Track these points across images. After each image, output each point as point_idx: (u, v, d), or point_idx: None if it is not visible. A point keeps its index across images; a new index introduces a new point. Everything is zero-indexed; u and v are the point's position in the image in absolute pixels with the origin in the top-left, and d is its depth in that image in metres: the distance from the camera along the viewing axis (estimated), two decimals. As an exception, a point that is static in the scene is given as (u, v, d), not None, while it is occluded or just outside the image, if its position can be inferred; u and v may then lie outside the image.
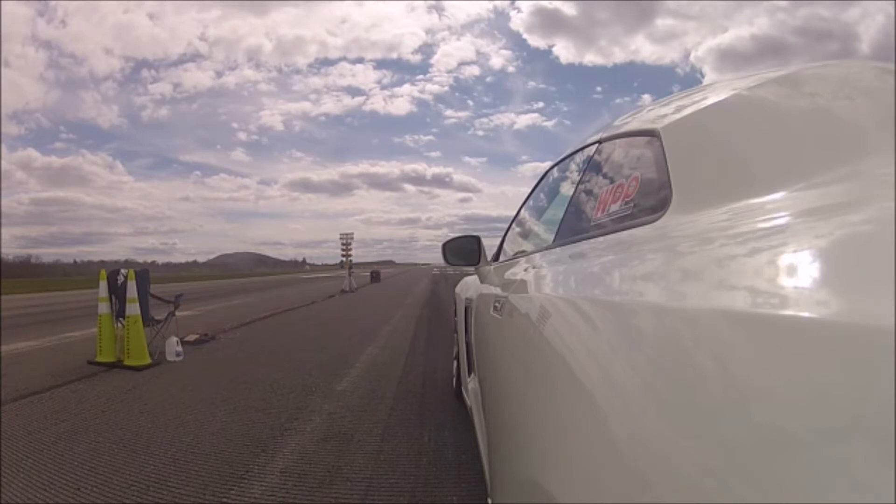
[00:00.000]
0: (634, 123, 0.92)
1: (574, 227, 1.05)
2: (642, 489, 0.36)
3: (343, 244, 21.81)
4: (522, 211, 1.85)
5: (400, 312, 7.90)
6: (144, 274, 4.09)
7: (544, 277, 0.97)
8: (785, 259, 0.36)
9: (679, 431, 0.34)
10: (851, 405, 0.24)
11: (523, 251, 1.50)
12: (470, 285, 2.19)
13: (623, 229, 0.74)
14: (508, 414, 0.80)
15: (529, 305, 0.86)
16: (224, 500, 1.65)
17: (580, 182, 1.13)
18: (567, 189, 1.26)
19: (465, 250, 1.88)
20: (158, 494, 1.68)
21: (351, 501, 1.65)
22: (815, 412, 0.26)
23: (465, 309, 2.09)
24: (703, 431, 0.32)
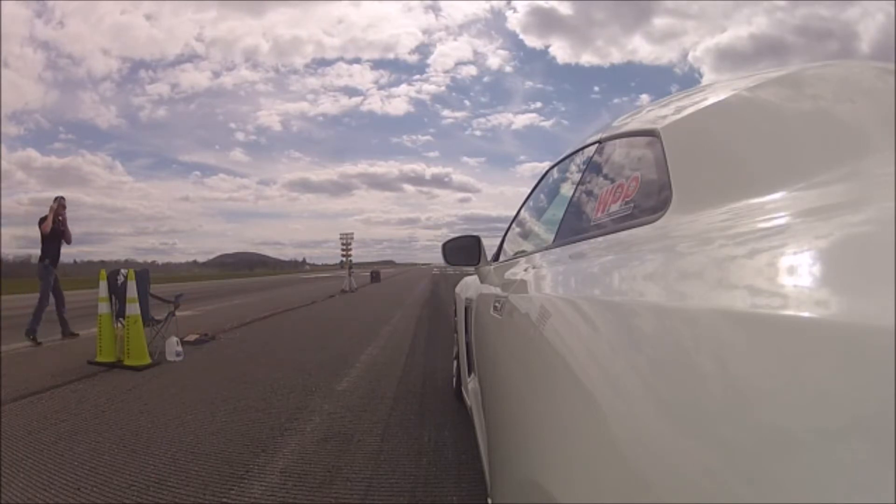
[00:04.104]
0: (634, 124, 0.92)
1: (574, 227, 1.05)
2: (642, 489, 0.36)
3: (343, 244, 21.83)
4: (522, 211, 1.85)
5: (400, 312, 7.90)
6: (144, 274, 4.09)
7: (544, 277, 0.97)
8: (785, 259, 0.36)
9: (679, 431, 0.34)
10: (851, 405, 0.24)
11: (523, 251, 1.50)
12: (470, 285, 2.19)
13: (623, 229, 0.74)
14: (508, 414, 0.80)
15: (529, 305, 0.86)
16: (224, 500, 1.65)
17: (580, 182, 1.13)
18: (567, 189, 1.26)
19: (465, 250, 1.88)
20: (158, 494, 1.68)
21: (351, 501, 1.65)
22: (816, 412, 0.26)
23: (465, 309, 2.09)
24: (704, 431, 0.32)
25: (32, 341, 4.71)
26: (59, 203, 5.05)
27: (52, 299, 4.99)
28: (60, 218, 5.05)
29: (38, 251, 5.00)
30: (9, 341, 4.80)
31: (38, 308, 4.86)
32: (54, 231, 4.97)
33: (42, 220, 4.96)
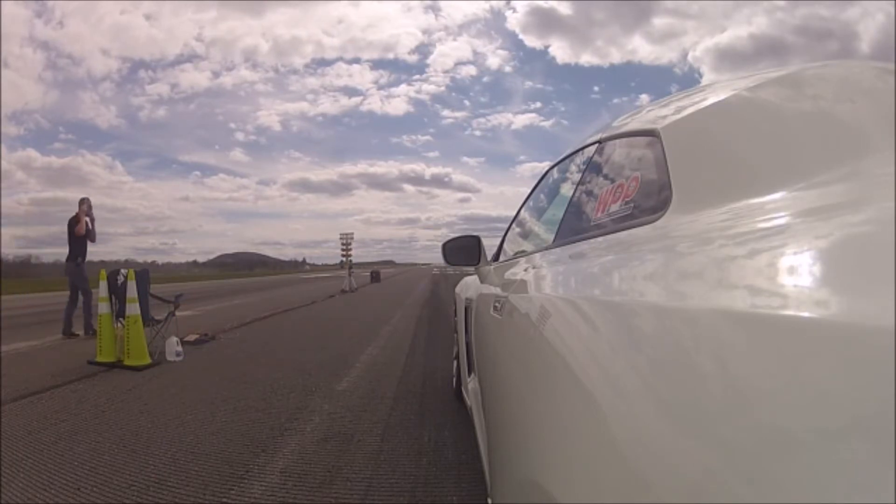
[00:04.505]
0: (634, 124, 0.92)
1: (574, 227, 1.05)
2: (642, 489, 0.36)
3: (343, 244, 21.83)
4: (522, 211, 1.85)
5: (400, 312, 7.90)
6: (144, 274, 4.09)
7: (544, 277, 0.97)
8: (785, 259, 0.36)
9: (679, 431, 0.34)
10: (851, 405, 0.24)
11: (523, 251, 1.50)
12: (470, 285, 2.19)
13: (623, 229, 0.74)
14: (508, 414, 0.80)
15: (529, 305, 0.86)
16: (224, 500, 1.65)
17: (580, 182, 1.13)
18: (567, 189, 1.26)
19: (465, 250, 1.88)
20: (158, 494, 1.68)
21: (351, 501, 1.65)
22: (816, 412, 0.26)
23: (465, 309, 2.09)
24: (703, 431, 0.32)
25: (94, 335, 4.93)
26: (88, 204, 5.34)
27: (65, 297, 5.22)
28: (89, 218, 5.32)
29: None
30: (9, 341, 4.80)
31: (86, 304, 5.15)
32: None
33: (73, 222, 5.19)
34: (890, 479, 0.21)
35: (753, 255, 0.39)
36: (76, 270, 5.21)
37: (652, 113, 0.88)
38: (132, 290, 3.87)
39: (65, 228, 5.24)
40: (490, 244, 1.95)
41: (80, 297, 5.19)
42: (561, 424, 0.53)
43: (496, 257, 1.93)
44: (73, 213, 5.25)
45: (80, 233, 5.15)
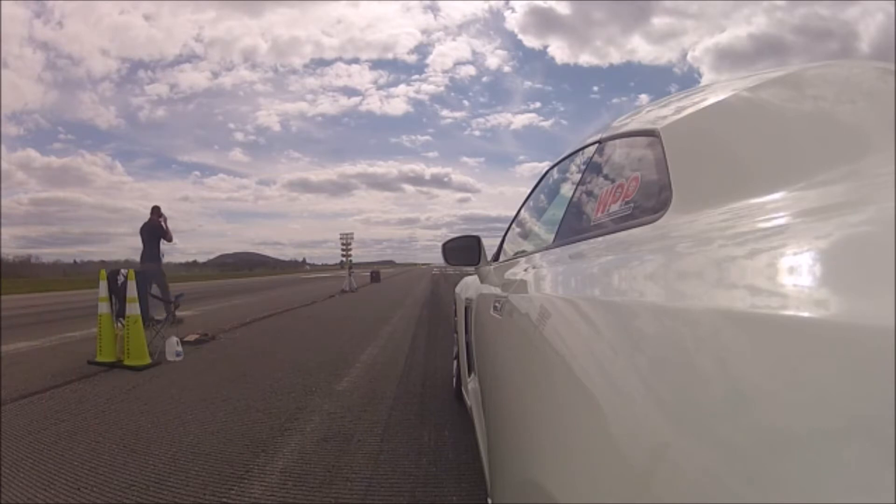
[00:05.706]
0: (634, 124, 0.92)
1: (574, 227, 1.05)
2: (642, 489, 0.36)
3: (343, 244, 21.87)
4: (522, 211, 1.85)
5: (400, 313, 7.90)
6: (150, 272, 4.09)
7: (544, 277, 0.97)
8: (785, 259, 0.36)
9: (679, 432, 0.34)
10: (851, 405, 0.24)
11: (523, 251, 1.50)
12: (470, 285, 2.19)
13: (623, 229, 0.74)
14: (508, 414, 0.80)
15: (529, 305, 0.86)
16: (224, 500, 1.65)
17: (580, 182, 1.13)
18: (567, 189, 1.26)
19: (465, 250, 1.88)
20: (158, 494, 1.68)
21: (351, 501, 1.65)
22: (816, 412, 0.26)
23: (465, 309, 2.09)
24: (703, 432, 0.32)
25: (174, 318, 5.35)
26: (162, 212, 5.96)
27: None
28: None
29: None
30: (9, 341, 4.80)
31: (165, 297, 5.45)
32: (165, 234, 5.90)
33: (157, 231, 5.73)
34: (890, 479, 0.21)
35: (753, 255, 0.39)
36: (159, 270, 5.85)
37: (652, 113, 0.88)
38: (132, 290, 3.87)
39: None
40: (490, 244, 1.95)
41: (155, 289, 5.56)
42: (561, 424, 0.53)
43: (496, 257, 1.93)
44: (146, 221, 5.71)
45: (170, 240, 5.72)
